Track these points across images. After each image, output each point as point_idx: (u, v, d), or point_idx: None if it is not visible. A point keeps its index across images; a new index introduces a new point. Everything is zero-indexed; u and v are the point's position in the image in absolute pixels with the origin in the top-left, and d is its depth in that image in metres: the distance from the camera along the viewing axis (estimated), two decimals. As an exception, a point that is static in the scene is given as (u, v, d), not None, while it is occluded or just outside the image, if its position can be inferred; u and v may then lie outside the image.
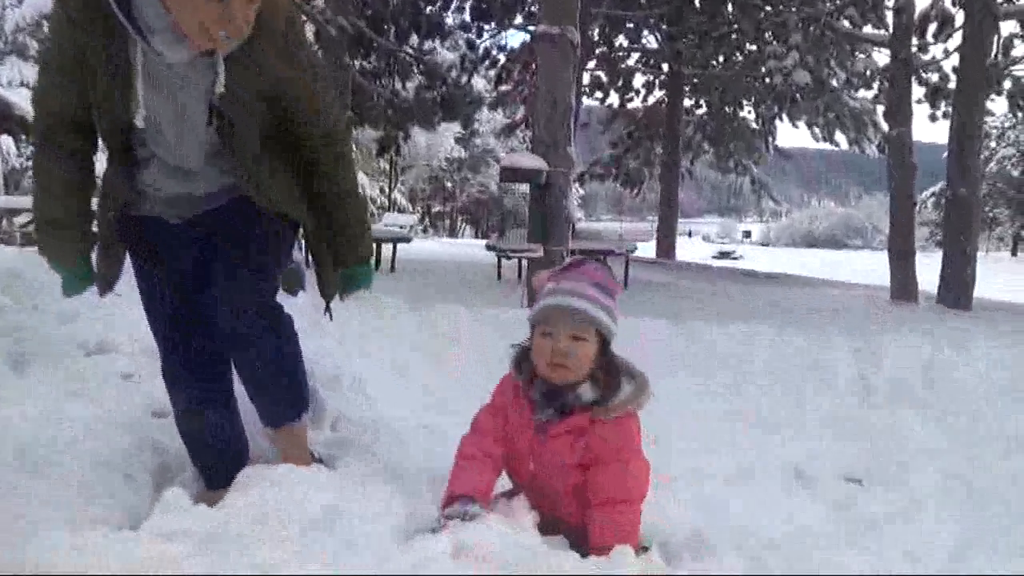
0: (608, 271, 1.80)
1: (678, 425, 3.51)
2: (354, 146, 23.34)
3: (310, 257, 2.00)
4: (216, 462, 1.92)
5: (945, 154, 9.01)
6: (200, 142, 1.70)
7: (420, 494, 1.73)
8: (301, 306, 2.15)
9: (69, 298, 1.85)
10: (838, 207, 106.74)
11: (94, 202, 1.81)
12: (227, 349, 1.76)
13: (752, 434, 3.62)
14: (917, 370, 4.69)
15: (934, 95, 11.18)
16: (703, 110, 17.18)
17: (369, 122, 12.89)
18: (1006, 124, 37.15)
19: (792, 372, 4.69)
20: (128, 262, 1.87)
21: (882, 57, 11.47)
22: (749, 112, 16.08)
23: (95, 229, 1.81)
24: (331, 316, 2.12)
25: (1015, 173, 39.63)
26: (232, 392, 1.94)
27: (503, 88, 15.18)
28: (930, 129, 10.46)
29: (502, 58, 14.30)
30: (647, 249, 14.51)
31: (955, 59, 9.28)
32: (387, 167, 32.86)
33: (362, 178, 31.02)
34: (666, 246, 16.34)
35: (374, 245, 1.99)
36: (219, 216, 1.80)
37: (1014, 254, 46.60)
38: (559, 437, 1.64)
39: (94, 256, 1.84)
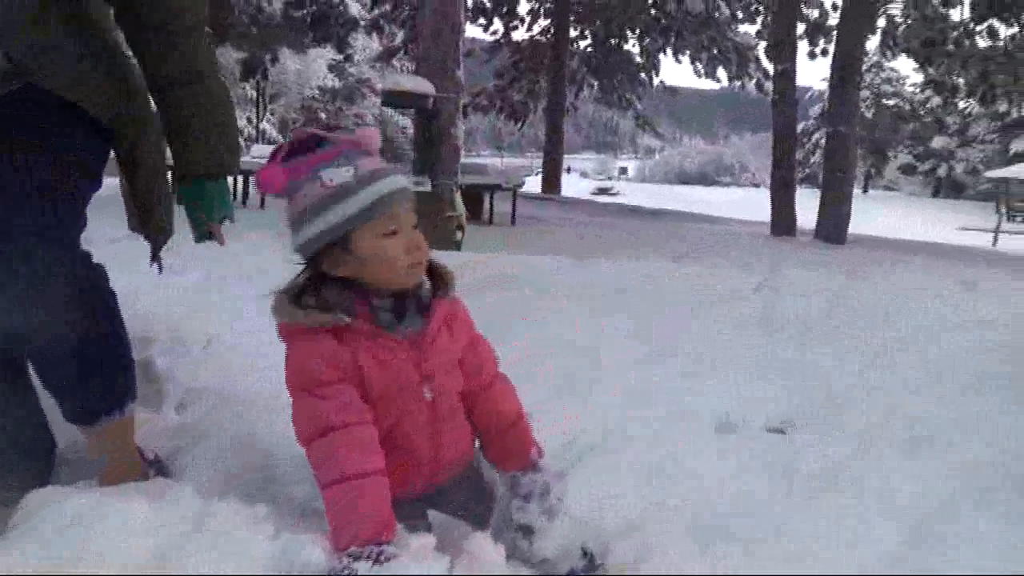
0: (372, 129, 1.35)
1: (590, 373, 3.20)
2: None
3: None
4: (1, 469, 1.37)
5: (809, 95, 9.15)
6: None
7: (296, 502, 1.27)
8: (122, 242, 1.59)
9: None
10: (708, 145, 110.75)
11: None
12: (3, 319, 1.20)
13: (667, 380, 3.36)
14: (819, 304, 4.63)
15: (814, 32, 11.32)
16: (588, 42, 16.84)
17: (231, 41, 11.67)
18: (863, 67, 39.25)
19: (697, 308, 4.51)
20: None
21: (767, -10, 11.46)
22: (634, 45, 15.90)
23: None
24: (160, 267, 1.57)
25: (868, 115, 42.13)
26: (20, 363, 1.37)
27: (380, 10, 14.18)
28: (799, 70, 10.55)
29: (379, -25, 13.28)
30: (532, 184, 14.21)
31: (836, -5, 9.33)
32: (254, 95, 30.68)
33: (227, 107, 28.83)
34: (552, 181, 16.10)
35: (239, 151, 1.37)
36: None
37: (865, 191, 50.05)
38: (438, 337, 1.29)
39: None
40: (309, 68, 32.63)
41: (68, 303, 1.17)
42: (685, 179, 75.48)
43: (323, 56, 28.52)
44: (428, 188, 5.33)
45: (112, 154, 1.40)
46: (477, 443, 1.47)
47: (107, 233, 4.24)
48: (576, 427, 2.55)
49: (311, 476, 1.57)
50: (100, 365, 1.26)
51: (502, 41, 16.42)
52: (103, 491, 1.01)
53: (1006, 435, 2.61)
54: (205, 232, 1.39)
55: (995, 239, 17.32)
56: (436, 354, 1.28)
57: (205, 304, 2.52)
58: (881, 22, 10.96)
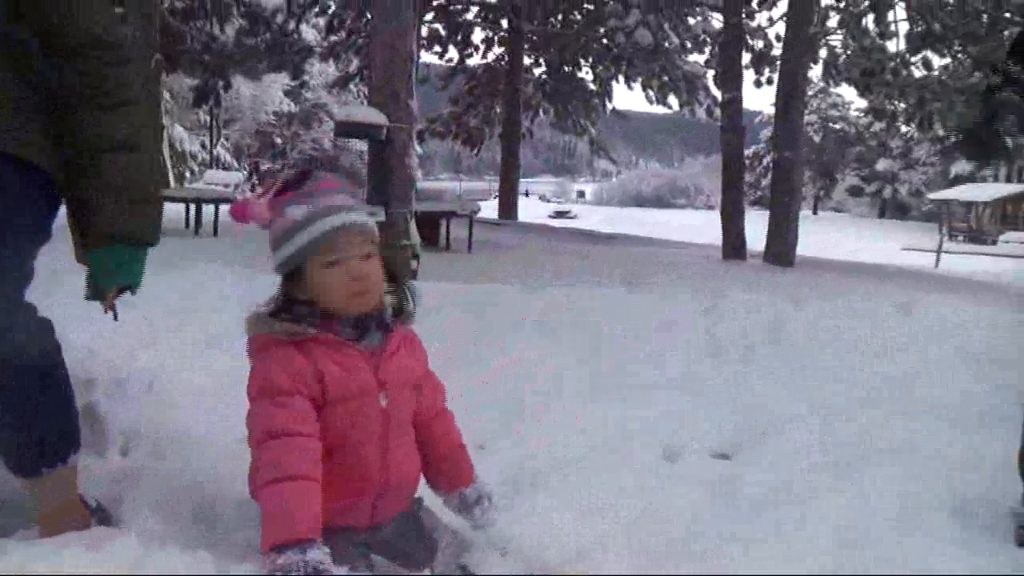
0: (339, 176, 1.52)
1: (539, 400, 3.25)
2: (167, 94, 21.17)
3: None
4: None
5: (758, 119, 9.45)
6: None
7: (239, 547, 1.29)
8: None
9: None
10: (664, 168, 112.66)
11: None
12: None
13: (615, 406, 3.43)
14: (762, 329, 4.76)
15: (759, 61, 11.67)
16: (542, 68, 17.08)
17: (183, 68, 11.58)
18: (809, 93, 40.44)
19: (645, 334, 4.60)
20: None
21: (715, 23, 11.80)
22: (587, 72, 16.18)
23: None
24: (115, 315, 1.58)
25: (816, 139, 43.35)
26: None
27: (335, 37, 14.21)
28: (748, 96, 10.90)
29: (332, 4, 13.32)
30: (488, 209, 14.31)
31: (779, 27, 9.66)
32: (207, 119, 30.35)
33: (180, 131, 28.42)
34: (508, 206, 16.20)
35: (156, 226, 1.38)
36: None
37: (815, 213, 51.35)
38: (397, 353, 1.43)
39: None
40: (264, 93, 32.39)
41: (9, 360, 1.18)
42: (641, 202, 76.56)
43: (278, 82, 28.37)
44: (382, 217, 5.35)
45: None
46: (417, 491, 1.53)
47: (50, 264, 4.18)
48: (523, 455, 2.59)
49: (255, 519, 1.58)
50: (42, 419, 1.26)
51: (458, 68, 16.57)
52: (42, 542, 1.01)
53: (933, 458, 2.72)
54: (99, 297, 1.39)
55: (937, 259, 17.94)
56: (394, 367, 1.40)
57: (149, 341, 2.50)
58: (823, 52, 11.36)
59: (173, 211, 8.88)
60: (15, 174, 1.26)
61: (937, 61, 10.53)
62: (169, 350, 2.48)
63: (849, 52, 10.90)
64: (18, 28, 1.24)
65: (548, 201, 67.17)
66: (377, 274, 1.38)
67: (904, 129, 26.87)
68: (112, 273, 1.36)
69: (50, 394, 1.28)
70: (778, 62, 10.31)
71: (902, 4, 10.00)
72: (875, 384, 3.75)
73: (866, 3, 10.23)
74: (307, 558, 1.14)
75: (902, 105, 11.62)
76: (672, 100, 14.86)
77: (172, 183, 15.10)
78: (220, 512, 1.49)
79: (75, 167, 1.34)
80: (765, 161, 40.12)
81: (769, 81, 11.57)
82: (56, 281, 3.35)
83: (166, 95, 18.94)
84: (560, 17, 14.47)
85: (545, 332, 4.42)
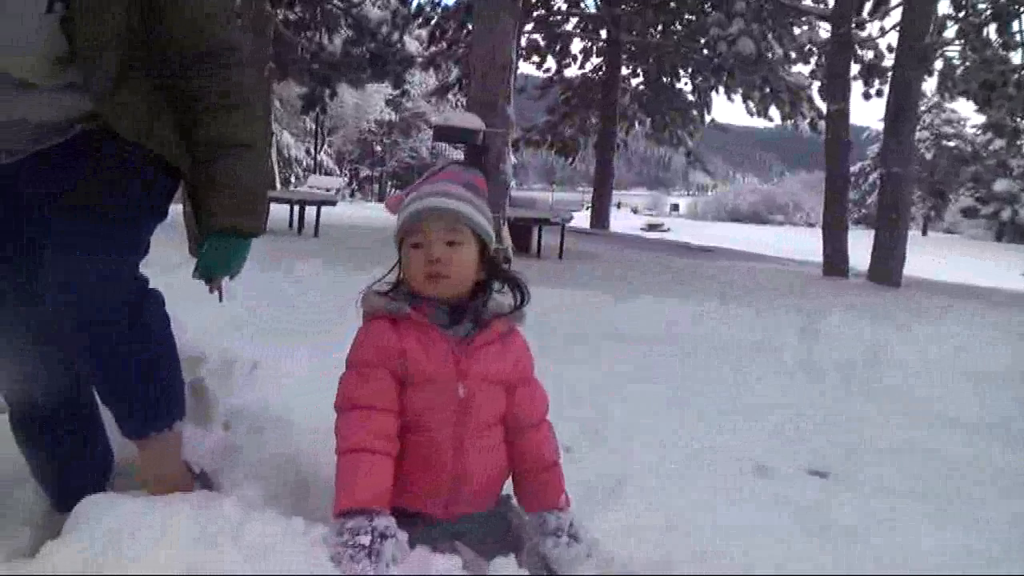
0: (475, 171, 1.53)
1: (624, 409, 3.21)
2: (277, 102, 22.19)
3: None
4: (62, 478, 1.47)
5: (865, 135, 9.05)
6: (34, 37, 1.23)
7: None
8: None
9: None
10: (762, 184, 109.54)
11: None
12: (65, 341, 1.30)
13: (704, 422, 3.34)
14: (864, 351, 4.56)
15: (869, 72, 11.21)
16: (640, 79, 16.94)
17: (292, 76, 12.11)
18: (922, 108, 38.47)
19: (739, 352, 4.48)
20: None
21: (822, 32, 11.42)
22: (686, 83, 15.95)
23: None
24: (221, 296, 1.67)
25: (928, 156, 41.18)
26: (85, 384, 1.48)
27: (436, 48, 14.54)
28: (855, 111, 10.43)
29: (435, 16, 13.64)
30: (580, 220, 14.27)
31: (891, 37, 9.26)
32: (313, 127, 31.61)
33: (287, 138, 29.72)
34: (600, 217, 16.12)
35: (262, 220, 1.48)
36: (60, 155, 1.34)
37: (924, 233, 48.73)
38: (488, 346, 1.42)
39: None
40: (367, 102, 33.51)
41: (123, 326, 1.27)
42: (737, 217, 74.60)
43: (380, 90, 29.29)
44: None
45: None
46: (506, 490, 1.52)
47: (168, 256, 4.45)
48: (610, 462, 2.56)
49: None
50: (151, 386, 1.35)
51: (555, 78, 16.64)
52: (149, 500, 1.08)
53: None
54: (206, 278, 1.48)
55: (1061, 286, 16.67)
56: (479, 360, 1.39)
57: (254, 330, 2.62)
58: (938, 64, 10.79)
59: (278, 212, 9.29)
60: (145, 161, 1.38)
61: (1067, 74, 9.83)
62: (272, 338, 2.59)
63: (968, 63, 10.31)
64: (154, 32, 1.35)
65: (640, 214, 66.35)
66: (461, 263, 1.38)
67: (1027, 147, 25.15)
68: (219, 260, 1.44)
69: (160, 362, 1.36)
70: (889, 73, 9.87)
71: (1029, 13, 9.40)
72: (984, 416, 3.53)
73: (988, 12, 9.67)
74: (374, 524, 1.19)
75: (1025, 121, 10.90)
76: (774, 112, 14.46)
77: (278, 186, 15.80)
78: (314, 490, 1.54)
79: (195, 162, 1.44)
80: (871, 178, 38.41)
81: (879, 93, 11.10)
82: (173, 274, 3.56)
83: (275, 102, 19.85)
84: (660, 28, 14.32)
85: (635, 344, 4.37)
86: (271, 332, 3.05)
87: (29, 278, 1.32)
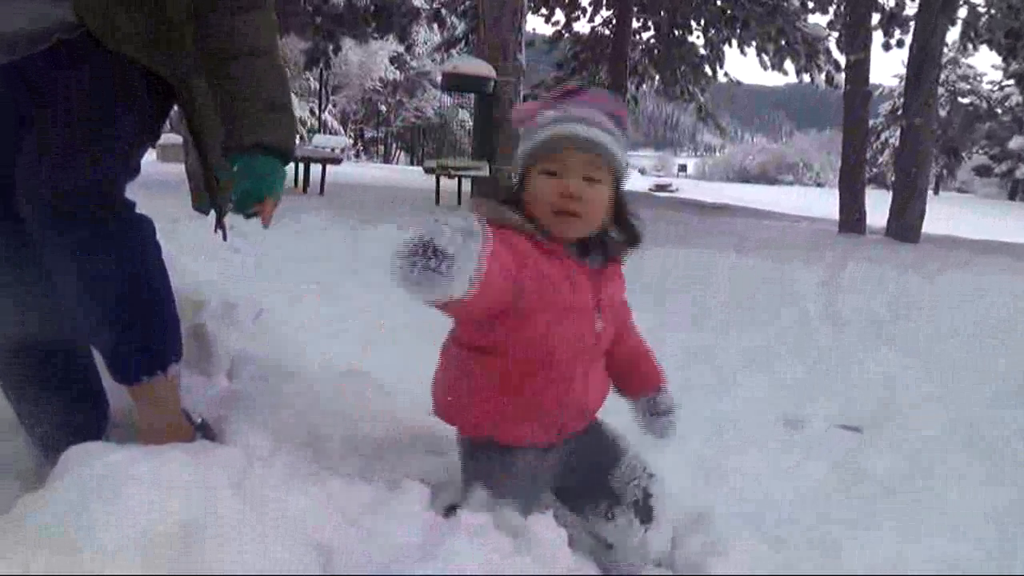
0: (621, 101, 1.39)
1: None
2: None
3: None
4: (53, 424, 1.35)
5: (878, 92, 8.78)
6: None
7: (342, 473, 1.21)
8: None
9: None
10: (771, 143, 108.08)
11: None
12: (46, 258, 1.17)
13: (727, 370, 3.23)
14: (889, 302, 4.41)
15: (889, 21, 10.84)
16: (651, 32, 16.50)
17: (295, 30, 11.82)
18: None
19: (759, 303, 4.34)
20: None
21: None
22: (698, 37, 15.51)
23: None
24: (225, 235, 1.54)
25: (942, 113, 40.41)
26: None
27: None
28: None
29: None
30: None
31: (914, -17, 8.91)
32: (316, 86, 31.20)
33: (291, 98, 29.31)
34: (609, 175, 15.84)
35: (294, 135, 1.37)
36: (41, 65, 1.21)
37: (936, 192, 48.12)
38: (615, 279, 1.35)
39: None
40: (371, 60, 32.97)
41: (103, 248, 1.15)
42: (746, 178, 73.71)
43: (385, 48, 28.78)
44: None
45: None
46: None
47: (169, 213, 4.32)
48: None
49: (359, 449, 1.52)
50: (140, 321, 1.22)
51: (563, 32, 16.24)
52: (141, 449, 0.96)
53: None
54: (251, 210, 1.30)
55: (1078, 243, 16.41)
56: (609, 292, 1.32)
57: (259, 279, 2.49)
58: (962, 12, 10.41)
59: (282, 169, 9.10)
60: (134, 75, 1.25)
61: (1097, 21, 9.48)
62: (278, 287, 2.46)
63: (993, 11, 9.94)
64: None
65: (647, 175, 65.71)
66: (597, 203, 1.25)
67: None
68: (253, 183, 1.27)
69: (147, 294, 1.23)
70: (911, 23, 9.53)
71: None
72: (1016, 367, 3.39)
73: (1016, -43, 9.30)
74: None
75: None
76: (788, 66, 14.06)
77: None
78: (325, 444, 1.42)
79: (209, 74, 1.31)
80: (884, 136, 37.79)
81: (899, 44, 10.73)
82: (176, 228, 3.43)
83: (279, 60, 19.36)
84: (672, -23, 13.90)
85: (655, 293, 4.23)
86: (278, 282, 2.93)
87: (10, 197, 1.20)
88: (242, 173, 1.28)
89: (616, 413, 1.43)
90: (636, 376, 1.46)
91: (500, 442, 1.25)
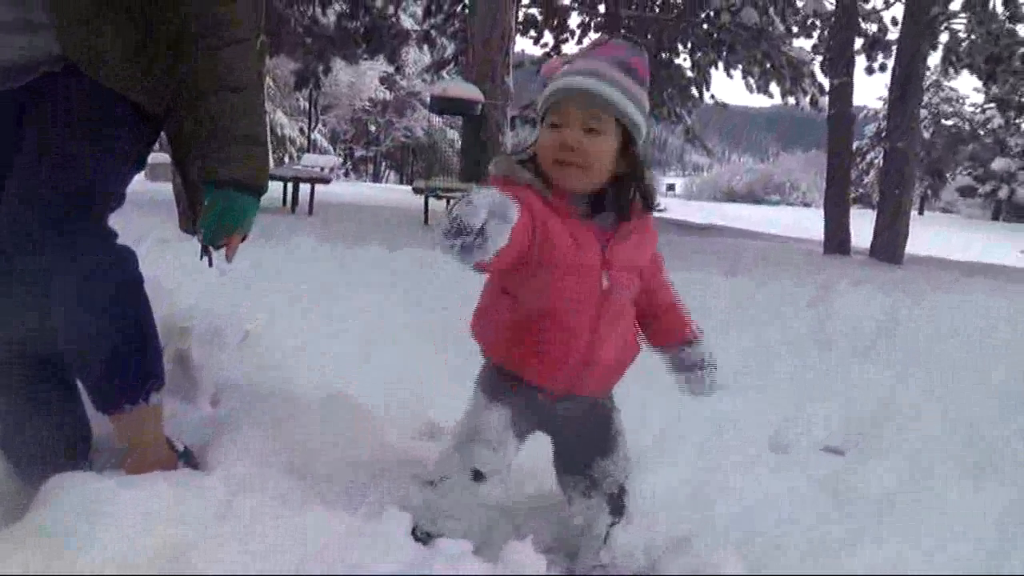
0: (640, 51, 1.38)
1: (637, 384, 3.10)
2: (270, 79, 21.86)
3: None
4: (34, 452, 1.34)
5: (862, 114, 8.92)
6: None
7: (327, 500, 1.20)
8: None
9: None
10: (758, 163, 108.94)
11: None
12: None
13: (721, 395, 3.23)
14: (878, 320, 4.43)
15: (872, 46, 11.02)
16: (638, 55, 16.70)
17: (286, 50, 11.87)
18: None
19: (751, 322, 4.36)
20: None
21: (826, 3, 11.18)
22: (684, 60, 15.70)
23: None
24: (211, 261, 1.54)
25: (926, 135, 40.92)
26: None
27: (433, 20, 14.29)
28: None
29: (431, -12, 13.37)
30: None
31: (895, 10, 9.07)
32: (306, 105, 31.29)
33: (280, 117, 29.38)
34: (597, 195, 15.92)
35: (266, 170, 1.38)
36: (25, 99, 1.21)
37: (921, 212, 48.59)
38: (629, 237, 1.37)
39: None
40: (360, 80, 33.10)
41: (88, 287, 1.14)
42: (733, 197, 74.21)
43: (375, 68, 28.90)
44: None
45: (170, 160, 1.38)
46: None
47: (158, 233, 4.30)
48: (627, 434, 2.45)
49: (343, 476, 1.51)
50: (121, 350, 1.22)
51: (552, 54, 16.39)
52: (123, 478, 0.95)
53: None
54: (220, 241, 1.32)
55: (1061, 264, 16.59)
56: (621, 250, 1.34)
57: (244, 301, 2.49)
58: (943, 37, 10.60)
59: (270, 190, 9.11)
60: (118, 105, 1.27)
61: (1075, 47, 9.66)
62: (264, 310, 2.45)
63: (974, 37, 10.12)
64: None
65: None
66: (597, 153, 1.28)
67: (1027, 125, 25.01)
68: (222, 218, 1.29)
69: (129, 324, 1.23)
70: (893, 47, 9.69)
71: (1037, -16, 9.22)
72: (1006, 382, 3.42)
73: (995, -17, 9.48)
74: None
75: (1029, 97, 10.73)
76: (774, 89, 14.23)
77: (272, 165, 15.58)
78: (308, 471, 1.42)
79: (185, 107, 1.32)
80: (869, 157, 38.21)
81: (882, 68, 10.91)
82: (164, 249, 3.41)
83: (268, 81, 19.56)
84: (659, 1, 14.07)
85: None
86: (264, 305, 2.92)
87: None
88: (213, 207, 1.29)
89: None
90: (660, 330, 1.50)
91: (521, 376, 1.32)
